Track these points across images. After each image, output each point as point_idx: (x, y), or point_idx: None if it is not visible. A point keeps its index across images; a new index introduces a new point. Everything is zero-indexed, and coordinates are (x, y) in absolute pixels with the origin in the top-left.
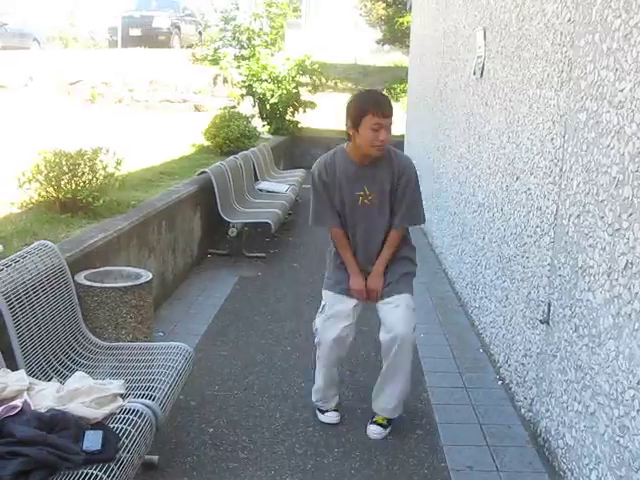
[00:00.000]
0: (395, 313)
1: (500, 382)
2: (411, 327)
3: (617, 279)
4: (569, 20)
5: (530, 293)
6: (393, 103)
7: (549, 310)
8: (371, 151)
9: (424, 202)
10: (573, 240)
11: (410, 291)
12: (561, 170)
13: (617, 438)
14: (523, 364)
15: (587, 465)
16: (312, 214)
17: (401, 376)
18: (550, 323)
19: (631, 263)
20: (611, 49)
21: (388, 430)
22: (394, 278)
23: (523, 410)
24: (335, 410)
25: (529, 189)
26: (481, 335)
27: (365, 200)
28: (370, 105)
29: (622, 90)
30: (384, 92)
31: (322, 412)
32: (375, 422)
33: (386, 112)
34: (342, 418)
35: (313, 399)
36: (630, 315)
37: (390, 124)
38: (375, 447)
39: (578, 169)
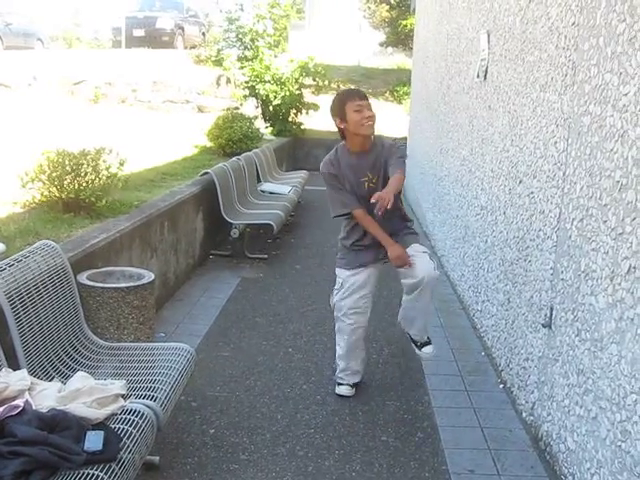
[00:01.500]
0: (416, 259)
1: (502, 385)
2: (432, 267)
3: (620, 283)
4: (573, 24)
5: (532, 297)
6: (396, 105)
7: (551, 314)
8: (362, 130)
9: (426, 204)
10: (576, 244)
11: (418, 241)
12: (564, 174)
13: (619, 443)
14: (525, 368)
15: (589, 469)
16: (334, 205)
17: (427, 307)
18: (552, 327)
19: (634, 267)
20: (615, 53)
21: (433, 346)
22: (400, 237)
23: (525, 414)
24: (351, 386)
25: (532, 192)
26: (483, 338)
27: (370, 183)
28: (346, 95)
29: (626, 94)
30: (386, 94)
31: (339, 385)
32: (421, 344)
33: (362, 96)
34: (343, 421)
35: (336, 371)
36: (633, 319)
37: (369, 106)
38: (376, 450)
39: (581, 173)
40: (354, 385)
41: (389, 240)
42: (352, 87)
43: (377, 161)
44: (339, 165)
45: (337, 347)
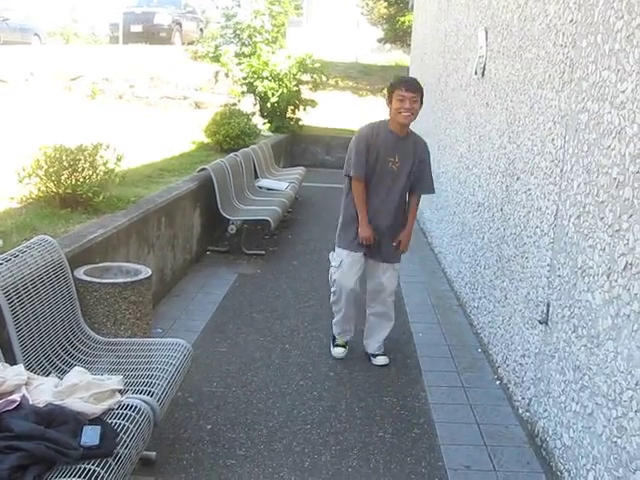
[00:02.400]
0: (387, 274)
1: (498, 382)
2: (396, 284)
3: (616, 280)
4: (571, 21)
5: (529, 293)
6: None
7: (548, 310)
8: (398, 118)
9: (423, 201)
10: (573, 241)
11: (400, 259)
12: (561, 171)
13: (615, 439)
14: (521, 364)
15: (584, 466)
16: (352, 165)
17: (386, 323)
18: (549, 323)
19: (630, 264)
20: (613, 50)
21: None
22: (395, 247)
23: (521, 410)
24: (344, 346)
25: (529, 189)
26: (479, 335)
27: (393, 165)
28: (397, 83)
29: (624, 91)
30: (384, 90)
31: (334, 345)
32: (376, 355)
33: (408, 88)
34: (340, 417)
35: (333, 331)
36: (629, 316)
37: (414, 99)
38: (373, 445)
39: (579, 170)
40: (346, 343)
41: (365, 220)
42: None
43: (408, 150)
44: (377, 136)
45: (335, 314)
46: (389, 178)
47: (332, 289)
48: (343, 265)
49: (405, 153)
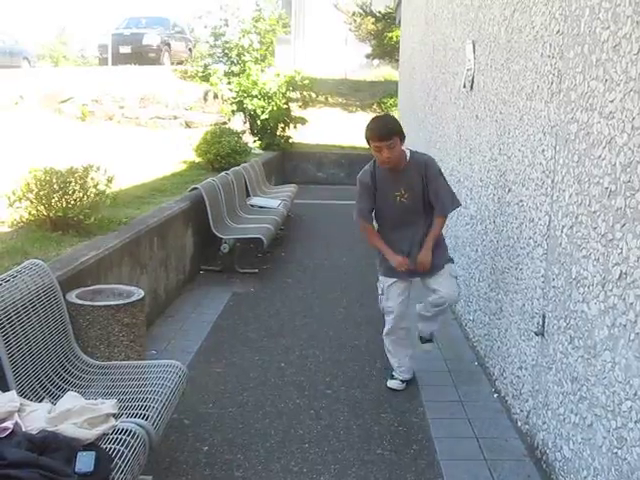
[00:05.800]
0: (438, 281)
1: (496, 395)
2: (454, 289)
3: (611, 290)
4: (558, 32)
5: (524, 305)
6: None
7: (544, 322)
8: (382, 166)
9: None
10: (566, 251)
11: (451, 262)
12: (553, 181)
13: (615, 450)
14: (519, 376)
15: (585, 478)
16: (356, 210)
17: (437, 321)
18: (545, 335)
19: (625, 273)
20: (600, 60)
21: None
22: (439, 261)
23: (520, 423)
24: (402, 381)
25: (521, 201)
26: (476, 348)
27: (402, 199)
28: (369, 134)
29: (612, 101)
30: (374, 106)
31: (392, 378)
32: (425, 340)
33: (381, 138)
34: (338, 435)
35: (394, 369)
36: (625, 326)
37: (390, 145)
38: (372, 463)
39: (570, 180)
40: (404, 381)
41: (390, 251)
42: (377, 116)
43: (412, 178)
44: (375, 177)
45: (391, 350)
46: (402, 211)
47: (385, 318)
48: (385, 291)
49: (410, 182)
